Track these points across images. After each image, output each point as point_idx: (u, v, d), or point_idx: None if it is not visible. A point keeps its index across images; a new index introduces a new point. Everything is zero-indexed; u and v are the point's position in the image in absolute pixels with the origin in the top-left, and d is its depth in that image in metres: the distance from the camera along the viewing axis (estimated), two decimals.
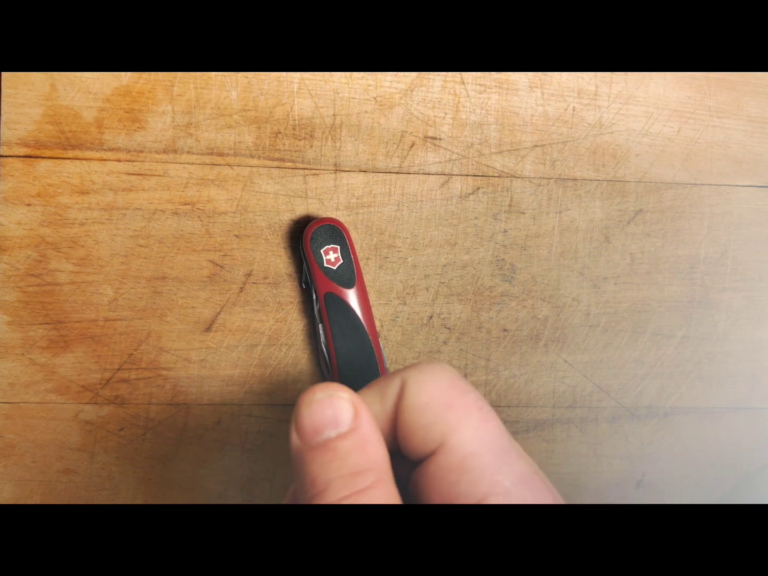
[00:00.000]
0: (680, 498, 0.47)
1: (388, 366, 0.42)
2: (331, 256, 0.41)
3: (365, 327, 0.41)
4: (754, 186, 0.46)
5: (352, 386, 0.37)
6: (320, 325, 0.41)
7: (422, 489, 0.27)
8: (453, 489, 0.26)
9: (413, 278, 0.44)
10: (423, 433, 0.27)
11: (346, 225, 0.42)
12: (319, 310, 0.41)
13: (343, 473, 0.25)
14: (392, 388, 0.27)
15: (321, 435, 0.26)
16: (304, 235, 0.41)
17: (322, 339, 0.41)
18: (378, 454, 0.26)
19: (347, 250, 0.41)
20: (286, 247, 0.42)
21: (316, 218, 0.42)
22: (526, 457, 0.27)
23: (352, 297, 0.41)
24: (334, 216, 0.42)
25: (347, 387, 0.27)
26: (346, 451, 0.26)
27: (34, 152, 0.40)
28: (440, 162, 0.43)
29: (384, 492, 0.25)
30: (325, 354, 0.41)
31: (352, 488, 0.25)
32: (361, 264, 0.43)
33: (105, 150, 0.41)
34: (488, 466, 0.26)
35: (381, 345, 0.42)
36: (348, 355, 0.41)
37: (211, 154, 0.41)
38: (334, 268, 0.41)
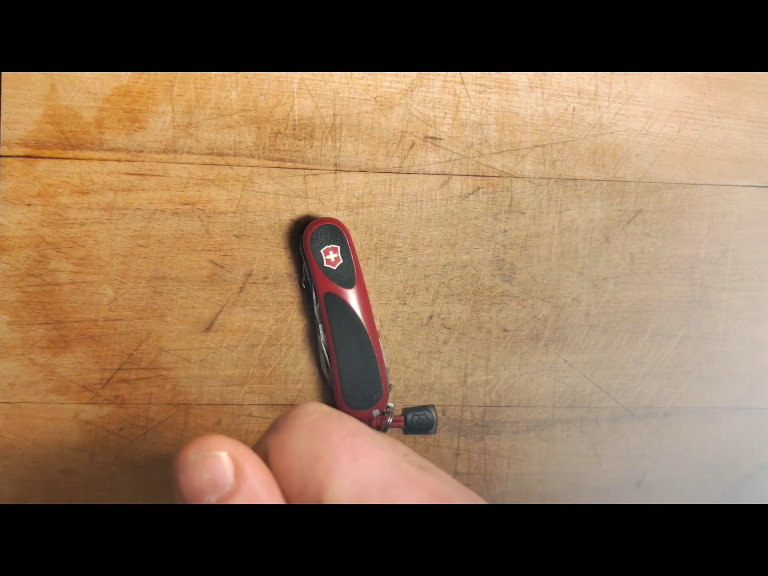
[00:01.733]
0: (680, 498, 0.47)
1: (387, 366, 0.42)
2: (331, 256, 0.41)
3: (365, 327, 0.41)
4: (754, 186, 0.46)
5: (352, 385, 0.39)
6: (320, 325, 0.41)
7: None
8: None
9: (413, 278, 0.44)
10: (300, 499, 0.24)
11: (346, 225, 0.42)
12: (319, 310, 0.41)
13: None
14: (262, 460, 0.25)
15: (202, 501, 0.24)
16: (304, 235, 0.41)
17: (322, 339, 0.41)
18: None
19: (347, 250, 0.41)
20: (286, 247, 0.42)
21: (316, 218, 0.42)
22: (420, 479, 0.24)
23: (352, 297, 0.41)
24: (333, 216, 0.42)
25: (227, 439, 0.24)
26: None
27: (34, 152, 0.40)
28: (440, 162, 0.43)
29: None
30: (325, 354, 0.41)
31: None
32: (361, 264, 0.43)
33: (105, 150, 0.41)
34: (375, 501, 0.24)
35: (381, 345, 0.42)
36: (348, 355, 0.41)
37: (211, 154, 0.41)
38: (334, 268, 0.41)
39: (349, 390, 0.41)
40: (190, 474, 0.24)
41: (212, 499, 0.24)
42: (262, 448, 0.25)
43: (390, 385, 0.42)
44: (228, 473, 0.24)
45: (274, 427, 0.25)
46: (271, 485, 0.24)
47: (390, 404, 0.42)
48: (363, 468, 0.23)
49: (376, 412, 0.41)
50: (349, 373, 0.41)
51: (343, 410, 0.41)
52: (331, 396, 0.42)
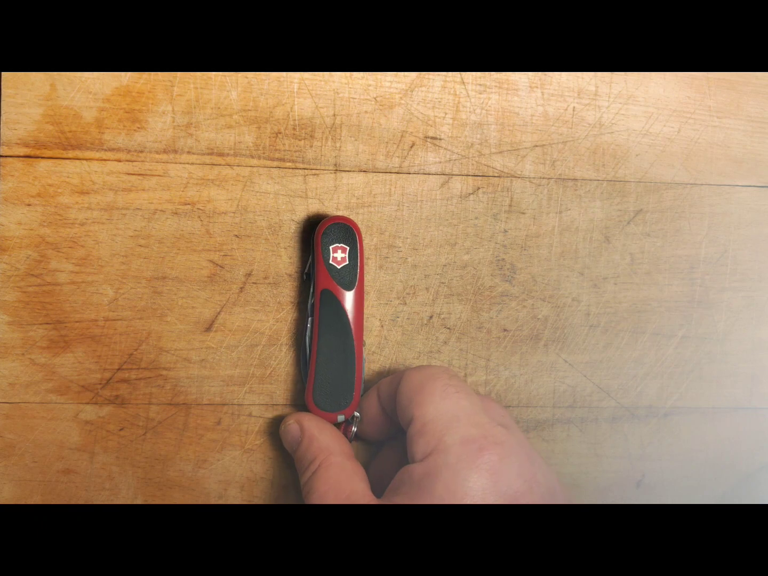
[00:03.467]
0: (680, 498, 0.47)
1: (365, 376, 0.42)
2: (339, 254, 0.41)
3: (353, 332, 0.41)
4: (754, 186, 0.46)
5: (325, 386, 0.41)
6: (309, 319, 0.41)
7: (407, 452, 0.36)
8: (413, 448, 0.35)
9: (413, 278, 0.44)
10: (401, 411, 0.37)
11: (361, 230, 0.42)
12: (312, 305, 0.41)
13: (303, 466, 0.38)
14: (396, 380, 0.39)
15: (292, 450, 0.40)
16: (318, 227, 0.41)
17: (308, 333, 0.41)
18: (320, 446, 0.38)
19: (356, 254, 0.41)
20: (286, 247, 0.42)
21: (335, 215, 0.42)
22: (482, 425, 0.35)
23: (348, 299, 0.41)
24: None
25: (297, 413, 0.41)
26: (301, 454, 0.39)
27: (34, 152, 0.40)
28: (440, 162, 0.43)
29: (328, 468, 0.37)
30: (308, 348, 0.41)
31: (308, 474, 0.37)
32: None
33: (105, 150, 0.41)
34: (438, 430, 0.35)
35: (363, 355, 0.41)
36: (329, 355, 0.41)
37: (211, 154, 0.41)
38: (338, 267, 0.41)
39: (320, 389, 0.41)
40: (283, 438, 0.41)
41: (294, 448, 0.40)
42: (400, 375, 0.38)
43: (362, 395, 0.42)
44: (296, 431, 0.40)
45: (416, 367, 0.39)
46: (322, 428, 0.39)
47: (357, 413, 0.42)
48: (445, 404, 0.35)
49: (341, 418, 0.41)
50: (324, 373, 0.41)
51: (309, 407, 0.41)
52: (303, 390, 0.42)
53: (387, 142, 0.43)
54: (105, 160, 0.41)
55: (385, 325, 0.44)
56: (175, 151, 0.41)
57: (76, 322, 0.42)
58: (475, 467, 0.33)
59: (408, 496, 0.33)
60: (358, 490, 0.36)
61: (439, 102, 0.43)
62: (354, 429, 0.41)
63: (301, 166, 0.42)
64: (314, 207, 0.42)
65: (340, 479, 0.36)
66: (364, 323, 0.43)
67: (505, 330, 0.45)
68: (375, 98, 0.42)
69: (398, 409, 0.37)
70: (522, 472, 0.34)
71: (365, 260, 0.43)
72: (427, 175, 0.43)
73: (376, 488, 0.38)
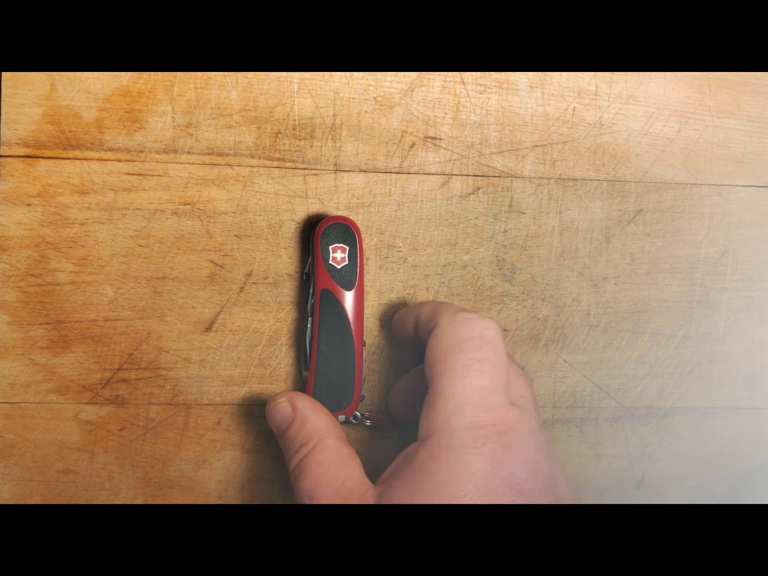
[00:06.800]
0: (680, 498, 0.47)
1: (365, 375, 0.42)
2: (338, 254, 0.41)
3: (353, 332, 0.41)
4: (754, 186, 0.46)
5: (325, 386, 0.41)
6: (310, 319, 0.41)
7: None
8: (421, 420, 0.35)
9: (413, 278, 0.44)
10: (426, 366, 0.36)
11: (361, 230, 0.42)
12: (312, 305, 0.41)
13: (294, 448, 0.37)
14: (429, 324, 0.37)
15: (280, 430, 0.38)
16: (317, 227, 0.41)
17: (308, 333, 0.41)
18: (314, 427, 0.37)
19: (355, 254, 0.41)
20: (286, 247, 0.42)
21: (335, 215, 0.42)
22: (494, 409, 0.34)
23: (348, 299, 0.41)
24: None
25: (288, 391, 0.39)
26: (292, 435, 0.37)
27: (34, 152, 0.40)
28: (440, 162, 0.43)
29: (322, 451, 0.36)
30: (308, 348, 0.41)
31: (299, 456, 0.36)
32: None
33: (105, 150, 0.41)
34: (447, 410, 0.34)
35: (364, 355, 0.41)
36: (329, 355, 0.41)
37: (211, 154, 0.41)
38: (338, 267, 0.41)
39: (321, 389, 0.41)
40: (271, 416, 0.38)
41: (284, 428, 0.38)
42: (434, 321, 0.36)
43: (362, 395, 0.42)
44: (288, 410, 0.38)
45: (452, 315, 0.36)
46: (315, 409, 0.38)
47: (357, 413, 0.42)
48: (462, 384, 0.34)
49: (341, 418, 0.41)
50: (325, 373, 0.41)
51: None
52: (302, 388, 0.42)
53: (387, 142, 0.43)
54: (105, 160, 0.41)
55: (385, 325, 0.44)
56: (175, 151, 0.41)
57: (76, 322, 0.41)
58: (478, 453, 0.32)
59: (408, 479, 0.33)
60: (353, 476, 0.35)
61: (439, 102, 0.43)
62: (368, 423, 0.42)
63: (301, 166, 0.42)
64: (314, 207, 0.42)
65: (335, 463, 0.35)
66: (364, 323, 0.43)
67: (505, 330, 0.45)
68: (375, 98, 0.42)
69: (425, 361, 0.36)
70: (526, 459, 0.34)
71: (365, 260, 0.43)
72: (427, 175, 0.43)
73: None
